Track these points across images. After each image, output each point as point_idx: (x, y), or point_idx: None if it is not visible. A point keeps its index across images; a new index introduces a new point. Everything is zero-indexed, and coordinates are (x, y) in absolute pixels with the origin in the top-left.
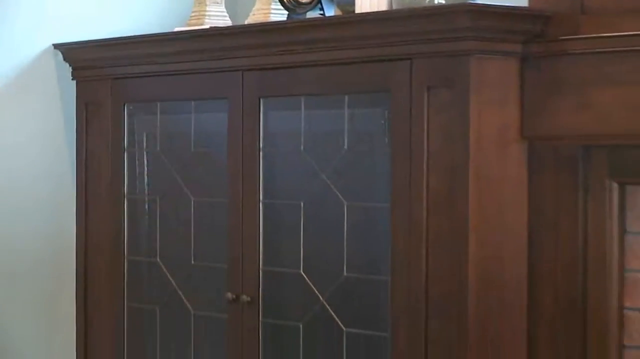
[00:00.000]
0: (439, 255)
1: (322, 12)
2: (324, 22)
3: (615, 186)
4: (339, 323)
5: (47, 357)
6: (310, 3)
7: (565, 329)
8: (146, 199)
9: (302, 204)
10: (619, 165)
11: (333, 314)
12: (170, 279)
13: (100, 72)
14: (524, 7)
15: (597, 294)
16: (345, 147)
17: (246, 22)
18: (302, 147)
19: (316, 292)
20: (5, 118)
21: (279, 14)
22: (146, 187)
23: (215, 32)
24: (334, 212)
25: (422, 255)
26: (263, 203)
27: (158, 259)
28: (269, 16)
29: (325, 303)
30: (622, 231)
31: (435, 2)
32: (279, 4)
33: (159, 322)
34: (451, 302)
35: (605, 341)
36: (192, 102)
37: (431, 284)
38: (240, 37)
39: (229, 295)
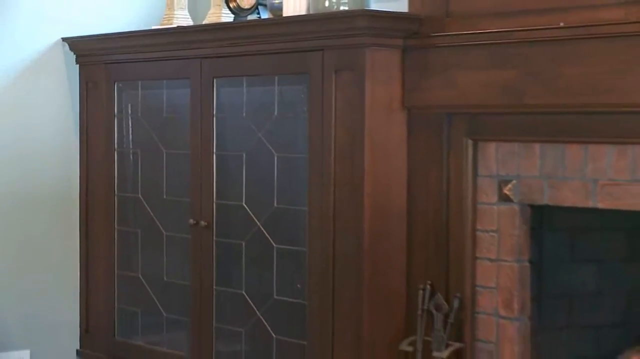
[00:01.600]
0: (343, 192)
1: (259, 15)
2: (260, 23)
3: (470, 142)
4: (271, 241)
5: (60, 262)
6: (250, 9)
7: (434, 249)
8: (131, 151)
9: (244, 155)
10: (473, 127)
11: (267, 234)
12: (148, 209)
13: (97, 58)
14: (405, 12)
15: (457, 222)
16: (276, 114)
17: (203, 22)
18: (244, 114)
19: (254, 218)
20: (26, 95)
21: (228, 17)
22: (130, 143)
23: (181, 30)
24: (267, 161)
25: (330, 192)
26: (216, 154)
27: (140, 195)
28: (221, 18)
29: (261, 226)
30: (475, 175)
31: (341, 8)
32: (227, 9)
33: (140, 241)
34: (352, 226)
35: (462, 256)
36: (164, 81)
37: (337, 213)
38: (199, 33)
39: (191, 221)
